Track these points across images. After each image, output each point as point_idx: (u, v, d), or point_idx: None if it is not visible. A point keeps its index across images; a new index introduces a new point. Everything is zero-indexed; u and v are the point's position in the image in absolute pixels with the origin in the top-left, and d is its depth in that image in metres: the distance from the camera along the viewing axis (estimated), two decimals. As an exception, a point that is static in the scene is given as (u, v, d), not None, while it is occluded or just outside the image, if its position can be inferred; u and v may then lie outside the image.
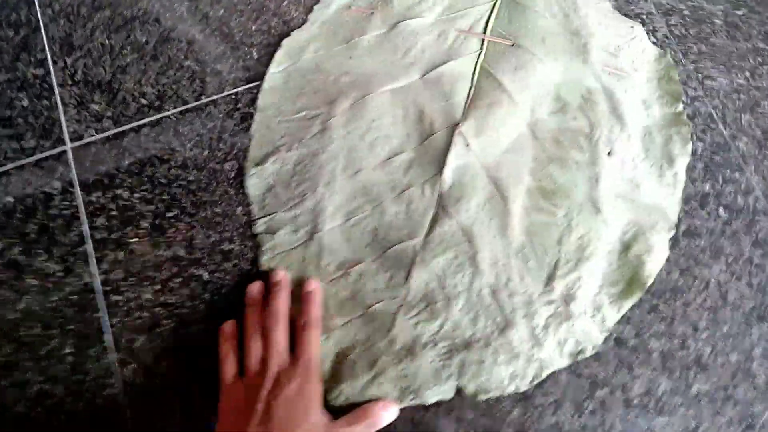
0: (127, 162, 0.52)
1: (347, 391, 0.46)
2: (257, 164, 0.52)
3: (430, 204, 0.50)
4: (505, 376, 0.46)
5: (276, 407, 0.40)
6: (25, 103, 0.54)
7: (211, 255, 0.50)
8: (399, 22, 0.56)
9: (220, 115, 0.54)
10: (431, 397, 0.46)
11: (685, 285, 0.50)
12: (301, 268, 0.49)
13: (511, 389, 0.46)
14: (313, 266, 0.49)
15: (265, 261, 0.49)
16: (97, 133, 0.53)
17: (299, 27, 0.57)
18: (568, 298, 0.47)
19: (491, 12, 0.57)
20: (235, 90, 0.55)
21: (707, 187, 0.53)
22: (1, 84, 0.54)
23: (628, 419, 0.46)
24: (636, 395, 0.47)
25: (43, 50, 0.55)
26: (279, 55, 0.55)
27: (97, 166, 0.52)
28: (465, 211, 0.50)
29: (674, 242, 0.51)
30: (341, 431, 0.42)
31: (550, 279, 0.48)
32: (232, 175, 0.52)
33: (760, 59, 0.58)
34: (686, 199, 0.52)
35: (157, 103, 0.54)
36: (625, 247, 0.49)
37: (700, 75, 0.57)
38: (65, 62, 0.55)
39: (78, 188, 0.51)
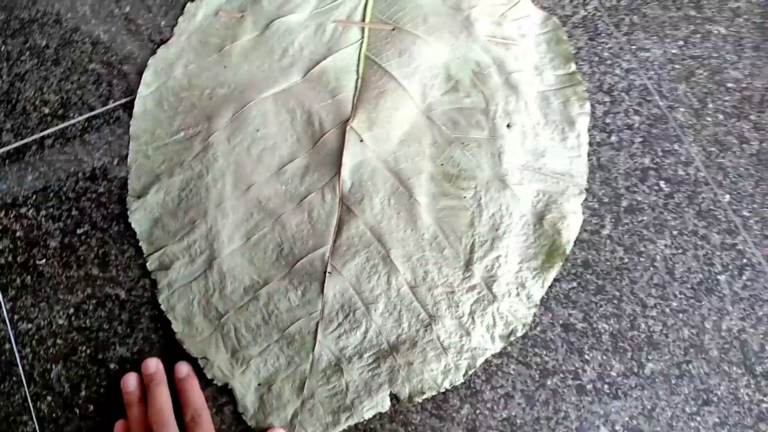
0: (30, 177, 0.48)
1: (276, 423, 0.43)
2: (138, 197, 0.47)
3: (333, 209, 0.47)
4: (437, 372, 0.44)
5: None
6: None
7: (127, 271, 0.46)
8: (272, 22, 0.52)
9: (130, 120, 0.50)
10: (366, 410, 0.43)
11: (630, 263, 0.48)
12: (204, 300, 0.45)
13: (446, 385, 0.43)
14: (218, 296, 0.45)
15: (164, 299, 0.45)
16: (-5, 148, 0.49)
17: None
18: (489, 281, 0.45)
19: (367, -2, 0.54)
20: (146, 92, 0.51)
21: (647, 161, 0.51)
22: None
23: (582, 406, 0.44)
24: (589, 380, 0.45)
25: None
26: (147, 76, 0.51)
27: (-3, 184, 0.48)
28: (370, 209, 0.47)
29: (616, 220, 0.49)
30: None
31: (468, 264, 0.46)
32: (148, 183, 0.48)
33: (692, 27, 0.57)
34: (626, 175, 0.51)
35: (60, 111, 0.50)
36: (539, 218, 0.47)
37: (633, 47, 0.56)
38: (-45, 74, 0.50)
39: (-24, 210, 0.47)
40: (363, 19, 0.53)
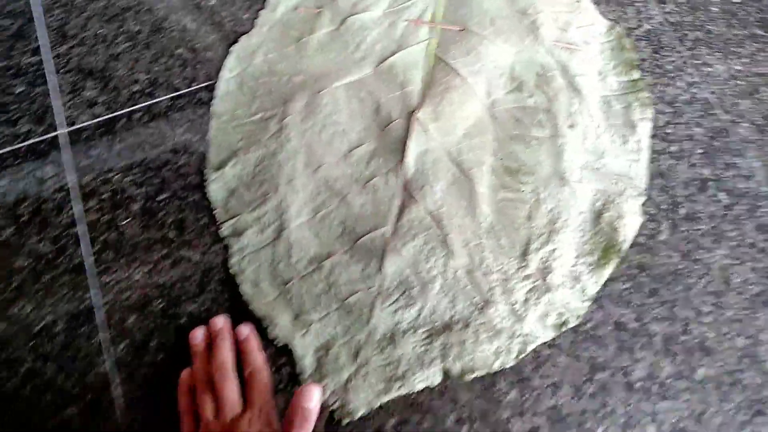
0: (119, 147, 0.52)
1: (331, 386, 0.45)
2: (217, 169, 0.51)
3: (396, 192, 0.49)
4: (489, 353, 0.45)
5: None
6: (19, 89, 0.54)
7: (201, 237, 0.49)
8: (347, 18, 0.56)
9: (211, 101, 0.54)
10: (418, 382, 0.45)
11: (686, 269, 0.49)
12: (271, 267, 0.48)
13: (496, 366, 0.45)
14: (284, 263, 0.47)
15: (235, 263, 0.48)
16: (89, 118, 0.53)
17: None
18: (544, 272, 0.46)
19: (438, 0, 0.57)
20: (230, 76, 0.55)
21: (707, 171, 0.52)
22: (-2, 70, 0.54)
23: (630, 403, 0.45)
24: (638, 379, 0.45)
25: (38, 39, 0.56)
26: (230, 61, 0.55)
27: (90, 150, 0.52)
28: (431, 195, 0.49)
29: (674, 227, 0.50)
30: None
31: (524, 254, 0.47)
32: (225, 158, 0.52)
33: (757, 45, 0.58)
34: (685, 184, 0.51)
35: (149, 90, 0.54)
36: (597, 215, 0.48)
37: (696, 61, 0.57)
38: (59, 51, 0.55)
39: (70, 172, 0.51)
40: (433, 20, 0.56)
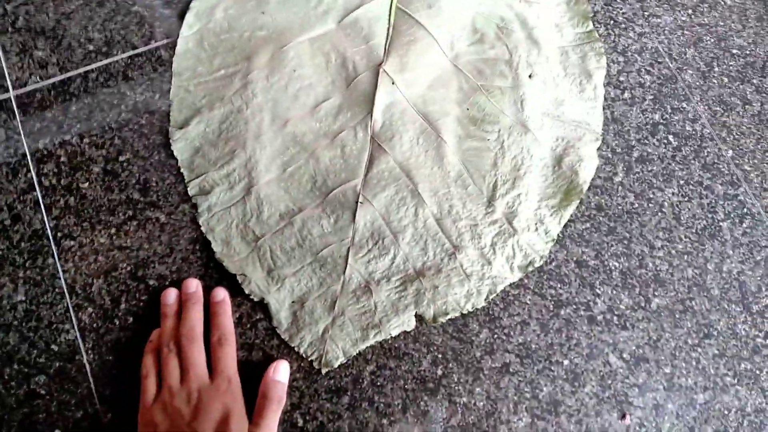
0: (74, 108, 0.51)
1: (308, 338, 0.45)
2: (180, 128, 0.50)
3: (364, 145, 0.50)
4: (460, 297, 0.46)
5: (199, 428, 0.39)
6: (-37, 50, 0.51)
7: (167, 197, 0.49)
8: None
9: (171, 59, 0.52)
10: (394, 328, 0.46)
11: (640, 208, 0.51)
12: (242, 224, 0.47)
13: (468, 308, 0.46)
14: (255, 220, 0.48)
15: (204, 221, 0.48)
16: (42, 79, 0.51)
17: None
18: (510, 216, 0.48)
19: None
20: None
21: (657, 116, 0.55)
22: (-65, 31, 0.51)
23: (593, 335, 0.47)
24: (599, 312, 0.48)
25: (-20, -3, 0.53)
26: (189, 18, 0.53)
27: (44, 112, 0.50)
28: (399, 147, 0.50)
29: (628, 168, 0.52)
30: (261, 423, 0.41)
31: (490, 201, 0.49)
32: (187, 116, 0.51)
33: (700, -3, 0.60)
34: (637, 128, 0.54)
35: (104, 49, 0.53)
36: (557, 161, 0.50)
37: (645, 13, 0.59)
38: (5, 9, 0.53)
39: (23, 135, 0.49)
40: (393, -26, 0.56)
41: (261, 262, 0.46)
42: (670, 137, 0.54)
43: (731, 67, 0.57)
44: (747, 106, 0.56)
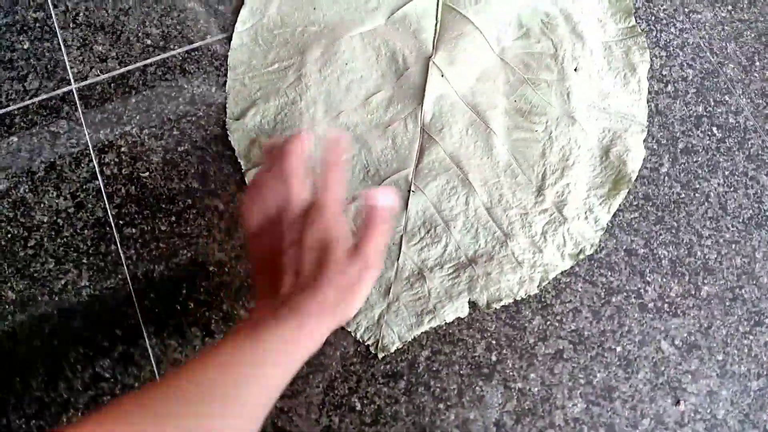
0: (134, 100, 0.52)
1: (364, 323, 0.46)
2: (237, 119, 0.51)
3: (415, 136, 0.51)
4: (513, 283, 0.47)
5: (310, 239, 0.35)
6: (27, 45, 0.53)
7: (225, 186, 0.50)
8: None
9: (226, 53, 0.54)
10: (448, 314, 0.47)
11: (687, 198, 0.52)
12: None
13: (521, 294, 0.47)
14: None
15: None
16: (101, 73, 0.53)
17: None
18: (560, 205, 0.49)
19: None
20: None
21: (700, 109, 0.55)
22: (1, 27, 0.53)
23: (644, 322, 0.48)
24: (650, 299, 0.48)
25: (43, -6, 0.54)
26: (243, 14, 0.55)
27: (104, 104, 0.52)
28: (449, 138, 0.51)
29: (673, 159, 0.53)
30: (363, 249, 0.36)
31: (540, 190, 0.50)
32: (243, 109, 0.52)
33: (739, -6, 0.61)
34: (681, 121, 0.55)
35: (162, 43, 0.54)
36: (605, 151, 0.51)
37: (686, 9, 0.60)
38: (66, 6, 0.55)
39: (85, 126, 0.51)
40: (441, -28, 0.57)
41: (318, 248, 0.47)
42: (714, 129, 0.55)
43: (772, 62, 0.58)
44: (789, 100, 0.56)
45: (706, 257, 0.50)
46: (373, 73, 0.53)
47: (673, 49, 0.58)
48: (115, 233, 0.48)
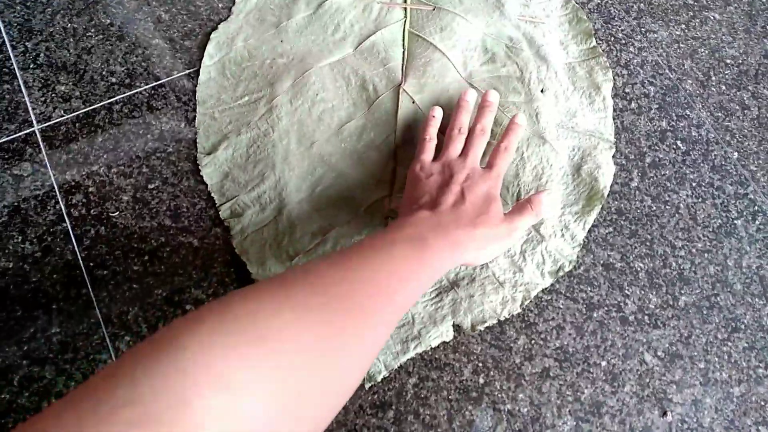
0: (100, 139, 0.51)
1: None
2: (208, 153, 0.51)
3: (389, 162, 0.51)
4: (496, 304, 0.47)
5: (469, 193, 0.44)
6: (-14, 87, 0.51)
7: (198, 222, 0.49)
8: (324, 2, 0.58)
9: (194, 88, 0.53)
10: (433, 339, 0.46)
11: (658, 210, 0.53)
12: (275, 244, 0.48)
13: (504, 314, 0.47)
14: (288, 239, 0.48)
15: (237, 244, 0.48)
16: (66, 113, 0.51)
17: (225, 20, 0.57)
18: (536, 224, 0.50)
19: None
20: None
21: (664, 123, 0.57)
22: (-42, 70, 0.52)
23: (626, 335, 0.48)
24: (630, 312, 0.49)
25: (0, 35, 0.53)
26: (210, 48, 0.55)
27: (69, 144, 0.50)
28: None
29: (642, 173, 0.54)
30: (515, 219, 0.45)
31: None
32: (214, 142, 0.52)
33: (691, 13, 0.64)
34: (647, 136, 0.56)
35: (127, 81, 0.53)
36: (576, 168, 0.52)
37: (642, 29, 0.62)
38: (25, 46, 0.53)
39: (50, 167, 0.49)
40: (405, 1, 0.58)
41: (298, 281, 0.46)
42: (679, 143, 0.56)
43: (727, 76, 0.60)
44: (746, 111, 0.59)
45: (681, 267, 0.51)
46: (345, 102, 0.53)
47: (634, 68, 0.60)
48: (86, 276, 0.46)
